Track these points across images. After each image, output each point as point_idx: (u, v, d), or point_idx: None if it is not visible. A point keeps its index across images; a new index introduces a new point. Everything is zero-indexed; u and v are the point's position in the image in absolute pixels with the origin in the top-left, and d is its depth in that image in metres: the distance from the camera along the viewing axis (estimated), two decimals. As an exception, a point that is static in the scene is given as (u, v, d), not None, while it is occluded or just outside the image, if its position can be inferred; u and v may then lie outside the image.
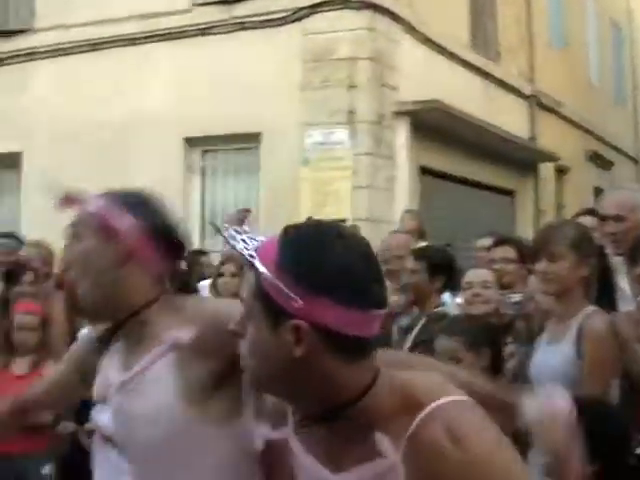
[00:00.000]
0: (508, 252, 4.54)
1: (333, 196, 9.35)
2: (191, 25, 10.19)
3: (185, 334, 1.86)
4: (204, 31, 10.14)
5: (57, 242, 6.40)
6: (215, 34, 10.12)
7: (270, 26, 9.80)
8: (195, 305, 1.99)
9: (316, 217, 9.12)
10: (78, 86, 10.63)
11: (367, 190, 9.39)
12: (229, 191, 10.24)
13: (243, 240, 1.48)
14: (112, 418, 1.94)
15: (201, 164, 10.39)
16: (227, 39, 10.01)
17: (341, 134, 9.45)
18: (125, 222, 1.89)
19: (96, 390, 2.02)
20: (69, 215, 1.99)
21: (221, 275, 5.15)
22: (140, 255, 1.91)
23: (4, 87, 11.06)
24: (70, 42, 10.83)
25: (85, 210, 1.94)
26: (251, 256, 1.44)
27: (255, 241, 1.48)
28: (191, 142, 10.22)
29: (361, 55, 9.51)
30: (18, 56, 11.24)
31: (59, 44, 10.91)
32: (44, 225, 9.20)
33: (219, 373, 1.85)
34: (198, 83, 9.93)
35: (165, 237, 1.94)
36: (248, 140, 9.89)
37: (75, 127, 10.45)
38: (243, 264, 5.09)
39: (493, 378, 3.52)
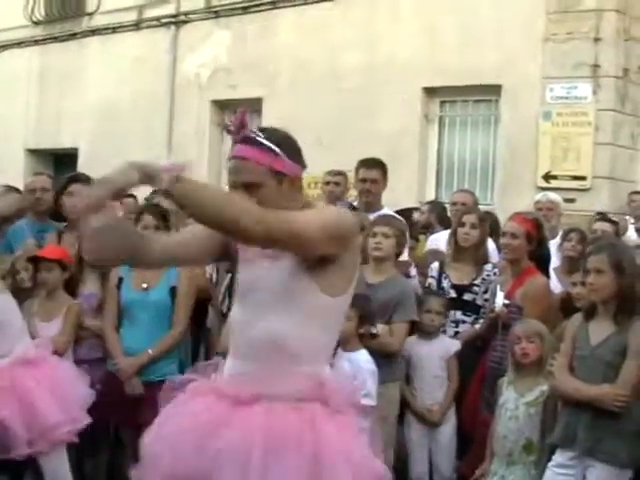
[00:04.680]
0: None
1: (573, 152, 9.24)
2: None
3: None
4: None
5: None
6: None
7: (515, -23, 9.66)
8: None
9: (555, 172, 9.15)
10: (321, 33, 10.95)
11: (609, 147, 9.19)
12: (466, 142, 10.30)
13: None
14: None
15: (439, 114, 10.50)
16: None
17: (584, 88, 9.27)
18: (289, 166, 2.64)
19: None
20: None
21: (462, 225, 5.52)
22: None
23: (250, 34, 11.57)
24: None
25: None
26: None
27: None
28: (430, 92, 10.34)
29: (607, 7, 9.23)
30: (263, 4, 11.65)
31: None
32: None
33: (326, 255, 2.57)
34: (441, 33, 10.01)
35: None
36: (488, 92, 9.90)
37: (316, 73, 10.81)
38: (480, 215, 5.39)
39: None
